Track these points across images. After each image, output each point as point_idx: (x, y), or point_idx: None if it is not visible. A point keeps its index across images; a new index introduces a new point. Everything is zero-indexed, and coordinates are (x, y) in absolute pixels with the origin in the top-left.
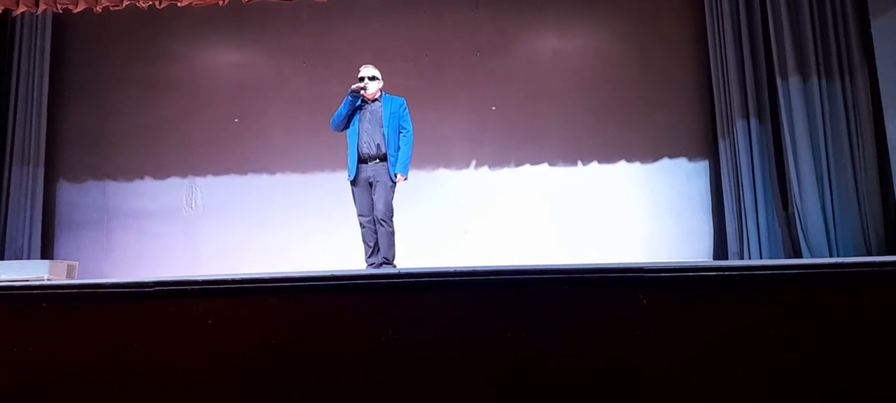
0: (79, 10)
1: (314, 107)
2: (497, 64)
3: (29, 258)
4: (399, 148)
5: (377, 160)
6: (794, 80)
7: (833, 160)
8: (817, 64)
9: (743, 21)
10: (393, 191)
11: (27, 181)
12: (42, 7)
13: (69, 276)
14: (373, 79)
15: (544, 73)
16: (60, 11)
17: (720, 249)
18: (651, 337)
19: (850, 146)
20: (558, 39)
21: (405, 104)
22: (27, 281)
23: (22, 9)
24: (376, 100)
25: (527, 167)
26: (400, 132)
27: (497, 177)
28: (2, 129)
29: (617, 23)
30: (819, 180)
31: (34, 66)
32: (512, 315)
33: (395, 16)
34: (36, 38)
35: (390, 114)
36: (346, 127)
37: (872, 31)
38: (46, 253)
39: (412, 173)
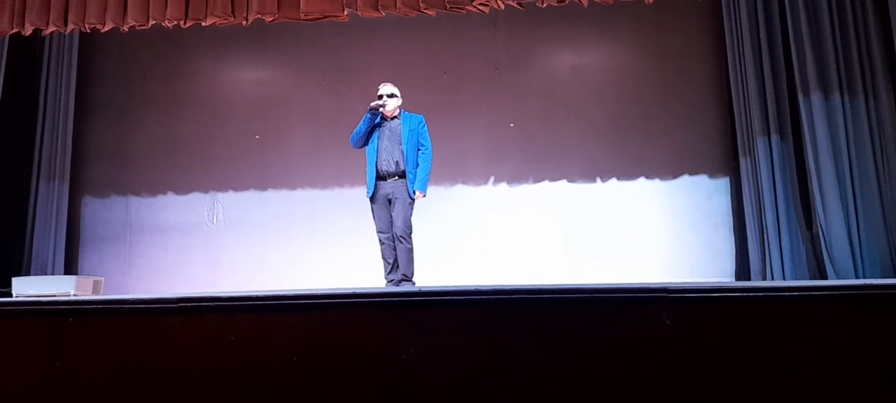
0: (107, 28)
1: (334, 124)
2: (515, 80)
3: (54, 272)
4: (418, 165)
5: (396, 177)
6: (815, 97)
7: (858, 178)
8: (839, 80)
9: (762, 36)
10: (411, 208)
11: (53, 196)
12: (71, 26)
13: (95, 292)
14: (392, 96)
15: (562, 90)
16: (88, 30)
17: (742, 268)
18: (674, 357)
19: (875, 164)
20: (576, 55)
21: (424, 121)
22: (54, 296)
23: (51, 28)
24: (395, 117)
25: (545, 183)
26: (418, 149)
27: (515, 193)
28: (29, 146)
29: (635, 38)
30: (843, 199)
31: (61, 84)
32: (533, 333)
33: (414, 33)
34: (63, 57)
35: (409, 131)
36: (365, 144)
37: None
38: (71, 267)
39: (431, 190)
